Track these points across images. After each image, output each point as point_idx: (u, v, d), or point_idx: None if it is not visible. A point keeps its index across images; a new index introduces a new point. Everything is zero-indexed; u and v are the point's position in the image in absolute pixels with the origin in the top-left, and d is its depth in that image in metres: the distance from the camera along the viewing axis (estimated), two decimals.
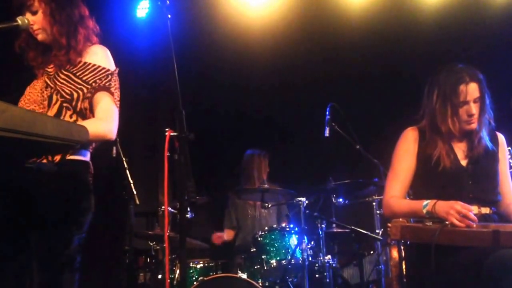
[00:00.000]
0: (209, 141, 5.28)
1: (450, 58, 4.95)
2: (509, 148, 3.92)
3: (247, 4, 5.39)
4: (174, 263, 3.79)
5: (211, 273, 3.81)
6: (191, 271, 3.85)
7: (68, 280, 2.13)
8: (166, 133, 1.98)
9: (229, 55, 5.37)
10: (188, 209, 3.34)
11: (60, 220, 2.14)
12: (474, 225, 2.19)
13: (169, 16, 2.19)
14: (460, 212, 2.21)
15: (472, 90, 2.45)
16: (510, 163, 3.76)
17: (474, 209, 2.32)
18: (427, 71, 2.69)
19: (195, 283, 3.70)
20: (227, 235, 4.93)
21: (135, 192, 2.75)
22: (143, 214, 4.16)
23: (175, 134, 1.99)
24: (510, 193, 2.60)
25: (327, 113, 4.23)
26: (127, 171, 2.63)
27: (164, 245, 3.22)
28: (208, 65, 5.40)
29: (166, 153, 1.97)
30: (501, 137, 2.63)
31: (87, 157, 2.31)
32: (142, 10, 5.10)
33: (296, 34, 5.40)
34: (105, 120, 2.24)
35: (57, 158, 2.19)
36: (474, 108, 2.46)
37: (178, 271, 3.43)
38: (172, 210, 3.66)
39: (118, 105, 2.31)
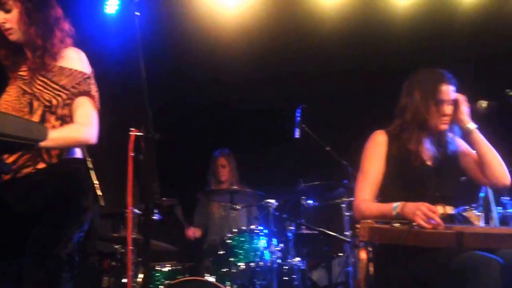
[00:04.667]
0: (179, 142, 5.23)
1: (424, 58, 5.05)
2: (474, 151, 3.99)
3: (220, 1, 5.35)
4: (139, 266, 3.73)
5: (178, 277, 3.75)
6: (158, 274, 3.79)
7: (67, 279, 2.15)
8: (131, 133, 1.94)
9: (201, 54, 5.32)
10: (156, 211, 3.29)
11: (61, 219, 2.16)
12: (441, 227, 2.21)
13: (138, 13, 2.14)
14: (426, 214, 2.23)
15: (449, 91, 2.53)
16: None
17: (439, 209, 2.36)
18: (399, 73, 2.71)
19: (160, 287, 3.64)
20: (197, 232, 4.91)
21: (99, 194, 2.69)
22: (108, 216, 4.08)
23: (141, 134, 1.95)
24: None
25: (297, 114, 4.24)
26: (92, 172, 2.57)
27: (131, 248, 3.16)
28: (178, 63, 5.35)
29: (131, 154, 1.93)
30: (459, 139, 2.69)
31: (81, 155, 2.32)
32: (111, 6, 5.02)
33: (270, 33, 5.38)
34: (86, 125, 2.25)
35: (55, 157, 2.20)
36: (449, 109, 2.52)
37: (140, 275, 3.36)
38: (138, 212, 3.59)
39: (99, 108, 2.33)
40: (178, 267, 3.92)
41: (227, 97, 5.45)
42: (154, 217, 3.14)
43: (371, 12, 5.46)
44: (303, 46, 5.43)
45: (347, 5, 5.40)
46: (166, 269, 3.86)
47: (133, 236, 3.45)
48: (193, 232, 4.87)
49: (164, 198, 3.92)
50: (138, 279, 3.48)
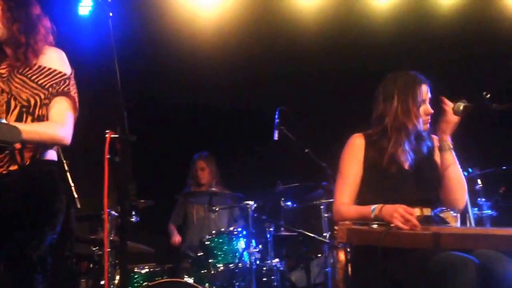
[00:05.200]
0: (156, 143, 5.19)
1: (404, 60, 5.10)
2: None
3: (198, 2, 5.33)
4: (116, 268, 3.69)
5: (156, 278, 3.73)
6: (136, 276, 3.76)
7: (39, 281, 2.14)
8: (107, 135, 1.92)
9: (179, 54, 5.29)
10: (133, 213, 3.25)
11: (33, 221, 2.14)
12: (418, 228, 2.23)
13: (111, 14, 2.12)
14: (403, 216, 2.25)
15: (427, 90, 2.57)
16: None
17: (417, 211, 2.38)
18: (379, 75, 2.72)
19: None
20: (172, 230, 4.92)
21: (76, 196, 2.66)
22: (86, 218, 4.03)
23: (116, 136, 1.93)
24: None
25: (276, 116, 4.24)
26: (68, 173, 2.54)
27: (108, 250, 3.13)
28: (155, 64, 5.30)
29: (107, 155, 1.90)
30: (436, 139, 2.71)
31: (55, 157, 2.30)
32: (85, 7, 4.98)
33: (248, 34, 5.38)
34: (61, 124, 2.23)
35: (27, 159, 2.18)
36: (431, 108, 2.57)
37: (118, 277, 3.33)
38: (115, 214, 3.56)
39: (77, 108, 2.33)
40: (156, 269, 3.89)
41: (205, 98, 5.42)
42: (132, 219, 3.11)
43: (351, 14, 5.50)
44: (281, 48, 5.44)
45: (326, 7, 5.43)
46: (144, 271, 3.83)
47: (111, 238, 3.41)
48: (178, 240, 4.86)
49: (142, 200, 3.89)
50: (115, 281, 3.44)
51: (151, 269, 3.86)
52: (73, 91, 2.31)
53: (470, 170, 4.04)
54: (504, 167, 4.24)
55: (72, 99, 2.29)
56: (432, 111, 2.56)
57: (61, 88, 2.25)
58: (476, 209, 3.99)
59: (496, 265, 2.13)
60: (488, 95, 2.49)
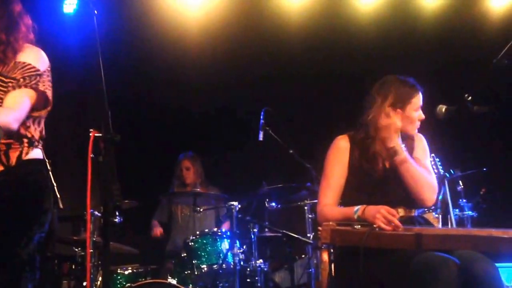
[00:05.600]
0: (140, 143, 5.17)
1: (388, 63, 5.13)
2: (433, 155, 4.10)
3: (184, 2, 5.31)
4: (99, 269, 3.67)
5: (139, 279, 3.71)
6: (119, 277, 3.74)
7: (28, 279, 2.15)
8: (90, 134, 1.90)
9: (164, 54, 5.28)
10: (117, 214, 3.24)
11: (22, 220, 2.15)
12: (400, 228, 2.25)
13: (96, 12, 2.11)
14: (386, 217, 2.27)
15: (421, 98, 2.62)
16: (434, 168, 3.92)
17: (401, 211, 2.39)
18: (363, 77, 2.74)
19: None
20: (154, 224, 4.91)
21: (58, 196, 2.64)
22: (68, 219, 4.00)
23: (100, 135, 1.91)
24: None
25: (261, 117, 4.25)
26: (50, 173, 2.52)
27: (90, 250, 3.11)
28: (140, 63, 5.28)
29: (90, 155, 1.89)
30: (417, 136, 2.73)
31: (41, 155, 2.27)
32: (70, 5, 4.94)
33: (234, 35, 5.38)
34: (12, 108, 2.16)
35: (13, 159, 2.18)
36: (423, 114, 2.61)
37: (100, 278, 3.31)
38: (99, 214, 3.53)
39: (48, 105, 2.29)
40: (140, 270, 3.88)
41: (190, 98, 5.41)
42: (115, 220, 3.09)
43: (336, 16, 5.52)
44: (267, 49, 5.45)
45: (312, 8, 5.45)
46: (127, 271, 3.82)
47: (94, 239, 3.39)
48: (160, 232, 4.84)
49: (126, 201, 3.87)
50: (98, 283, 3.42)
51: (134, 270, 3.85)
52: (42, 86, 2.27)
53: (452, 171, 4.09)
54: (484, 169, 4.30)
55: (39, 92, 2.25)
56: (424, 117, 2.62)
57: (30, 81, 2.22)
58: (457, 210, 4.04)
59: (476, 266, 2.16)
60: (470, 98, 2.52)
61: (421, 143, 2.73)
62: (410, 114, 2.59)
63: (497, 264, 2.25)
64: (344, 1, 5.54)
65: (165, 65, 5.28)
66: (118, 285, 3.72)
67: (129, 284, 3.62)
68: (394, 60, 5.23)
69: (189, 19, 5.34)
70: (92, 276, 3.24)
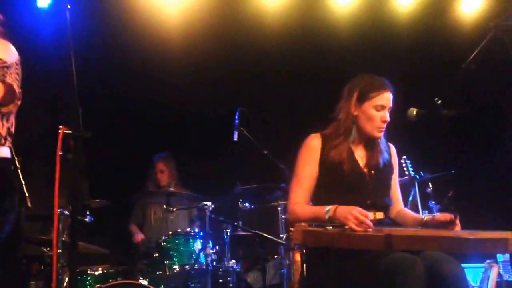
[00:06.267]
0: (113, 141, 5.11)
1: (364, 63, 5.18)
2: (404, 157, 4.16)
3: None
4: (66, 270, 3.60)
5: (110, 280, 3.66)
6: (88, 278, 3.68)
7: None
8: (60, 131, 1.87)
9: (139, 51, 5.22)
10: (87, 213, 3.20)
11: None
12: (370, 230, 2.27)
13: (69, 6, 2.08)
14: (357, 218, 2.29)
15: (390, 98, 2.57)
16: (404, 170, 3.98)
17: (370, 215, 2.41)
18: (338, 78, 2.75)
19: None
20: (135, 230, 4.84)
21: (27, 194, 2.59)
22: (37, 218, 3.93)
23: (70, 132, 1.88)
24: (399, 199, 2.76)
25: (236, 117, 4.24)
26: (19, 171, 2.47)
27: (59, 251, 3.06)
28: (115, 60, 5.21)
29: (59, 152, 1.85)
30: (392, 147, 2.77)
31: (8, 154, 2.22)
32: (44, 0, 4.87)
33: (210, 34, 5.36)
34: None
35: None
36: (388, 116, 2.56)
37: (67, 279, 3.25)
38: (68, 213, 3.48)
39: (16, 99, 2.25)
40: (110, 270, 3.82)
41: (164, 97, 5.37)
42: (85, 219, 3.04)
43: (312, 17, 5.54)
44: (242, 49, 5.44)
45: (288, 10, 5.46)
46: (97, 272, 3.76)
47: (62, 239, 3.33)
48: (141, 238, 4.80)
49: (96, 200, 3.83)
50: (64, 284, 3.37)
51: (105, 271, 3.80)
52: (10, 78, 2.25)
53: (422, 174, 4.15)
54: (453, 172, 4.38)
55: (5, 84, 2.23)
56: (388, 119, 2.57)
57: None
58: (426, 211, 4.10)
59: (443, 266, 2.19)
60: (440, 102, 2.56)
61: (396, 157, 2.76)
62: (368, 110, 2.54)
63: (463, 265, 2.30)
64: (321, 2, 5.57)
65: (140, 62, 5.23)
66: (88, 286, 3.66)
67: (98, 285, 3.57)
68: (369, 62, 5.28)
69: (165, 17, 5.30)
70: (60, 277, 3.18)
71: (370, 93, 2.54)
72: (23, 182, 2.43)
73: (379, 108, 2.54)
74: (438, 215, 2.43)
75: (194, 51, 5.34)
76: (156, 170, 4.92)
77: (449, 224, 2.33)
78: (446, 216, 2.37)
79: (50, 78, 4.64)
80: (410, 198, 3.95)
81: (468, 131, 5.42)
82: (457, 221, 2.35)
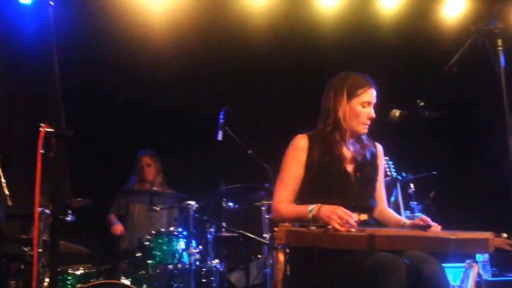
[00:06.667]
0: (97, 139, 5.07)
1: (348, 63, 5.19)
2: (386, 158, 4.18)
3: None
4: (46, 269, 3.56)
5: (91, 280, 3.63)
6: (70, 277, 3.64)
7: None
8: (41, 129, 1.85)
9: (122, 49, 5.19)
10: (69, 212, 3.16)
11: None
12: (354, 230, 2.29)
13: (52, 3, 2.05)
14: (341, 217, 2.30)
15: (374, 95, 2.59)
16: (387, 171, 4.00)
17: (354, 216, 2.42)
18: (324, 77, 2.76)
19: None
20: (114, 220, 4.79)
21: (7, 193, 2.55)
22: (17, 217, 3.88)
23: (51, 130, 1.86)
24: (383, 199, 2.78)
25: (220, 117, 4.24)
26: (0, 170, 2.44)
27: (40, 250, 3.02)
28: (98, 58, 5.17)
29: (40, 151, 1.83)
30: (379, 147, 2.78)
31: None
32: None
33: (195, 33, 5.35)
34: None
35: None
36: (373, 112, 2.59)
37: (47, 279, 3.21)
38: (49, 212, 3.44)
39: None
40: (92, 270, 3.79)
41: (149, 95, 5.35)
42: (67, 218, 3.01)
43: (297, 17, 5.56)
44: (228, 48, 5.44)
45: (273, 10, 5.47)
46: (79, 272, 3.72)
47: (43, 238, 3.29)
48: (120, 230, 4.74)
49: (79, 199, 3.79)
50: (45, 283, 3.33)
51: (86, 270, 3.76)
52: None
53: (404, 174, 4.18)
54: (434, 173, 4.42)
55: None
56: (374, 116, 2.60)
57: None
58: (408, 212, 4.14)
59: (424, 266, 2.22)
60: (422, 103, 2.59)
61: (382, 157, 2.78)
62: (355, 107, 2.56)
63: (444, 265, 2.32)
64: (307, 3, 5.59)
65: (124, 60, 5.20)
66: (69, 286, 3.62)
67: (80, 285, 3.53)
68: (353, 63, 5.28)
69: (151, 15, 5.27)
70: (40, 276, 3.15)
71: (357, 90, 2.57)
72: (4, 181, 2.39)
73: (366, 104, 2.57)
74: (416, 220, 2.45)
75: (180, 49, 5.32)
76: (143, 164, 4.89)
77: (425, 229, 2.35)
78: (424, 219, 2.39)
79: (32, 76, 4.60)
80: (392, 199, 3.98)
81: (449, 133, 5.48)
82: (433, 227, 2.37)
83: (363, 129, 2.60)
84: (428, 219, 2.38)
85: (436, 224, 2.39)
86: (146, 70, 5.25)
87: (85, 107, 4.90)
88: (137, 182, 4.89)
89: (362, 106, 2.56)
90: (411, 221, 2.53)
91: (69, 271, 3.68)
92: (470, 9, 5.59)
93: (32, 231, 3.72)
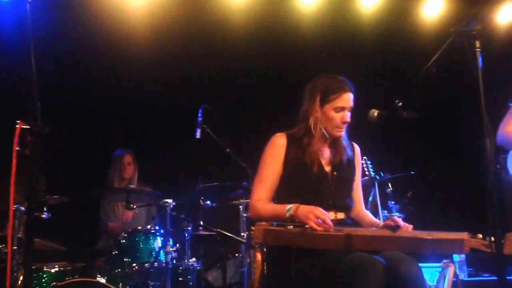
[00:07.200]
0: (73, 136, 5.00)
1: (328, 63, 5.22)
2: (365, 157, 4.22)
3: None
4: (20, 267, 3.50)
5: (67, 278, 3.58)
6: (45, 275, 3.59)
7: None
8: (17, 126, 1.82)
9: (100, 46, 5.11)
10: (45, 209, 3.12)
11: None
12: (331, 229, 2.30)
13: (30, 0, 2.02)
14: (318, 217, 2.31)
15: (349, 99, 2.60)
16: (365, 171, 4.04)
17: (331, 215, 2.44)
18: (303, 77, 2.77)
19: None
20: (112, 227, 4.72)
21: None
22: None
23: (27, 127, 1.83)
24: (360, 200, 2.81)
25: (199, 114, 4.22)
26: None
27: (14, 247, 2.98)
28: (76, 54, 5.09)
29: (15, 148, 1.80)
30: (357, 147, 2.81)
31: None
32: None
33: (175, 31, 5.29)
34: None
35: None
36: (348, 117, 2.60)
37: (21, 277, 3.16)
38: (25, 209, 3.38)
39: None
40: (67, 268, 3.73)
41: (126, 92, 5.29)
42: (43, 215, 2.97)
43: (277, 14, 5.54)
44: (207, 46, 5.41)
45: (253, 8, 5.45)
46: (54, 270, 3.66)
47: (19, 235, 3.24)
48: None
49: (55, 196, 3.74)
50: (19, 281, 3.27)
51: (62, 268, 3.70)
52: None
53: (382, 174, 4.22)
54: (412, 173, 4.47)
55: None
56: (349, 120, 2.61)
57: None
58: (386, 211, 4.18)
59: (401, 266, 2.24)
60: (400, 104, 2.61)
61: (359, 157, 2.80)
62: (328, 112, 2.59)
63: (421, 264, 2.35)
64: (286, 1, 5.59)
65: (102, 56, 5.13)
66: (44, 284, 3.56)
67: (55, 283, 3.48)
68: (332, 62, 5.32)
69: (130, 10, 5.20)
70: (15, 274, 3.10)
71: (330, 96, 2.58)
72: None
73: (339, 109, 2.59)
74: (387, 221, 2.48)
75: (158, 47, 5.28)
76: (124, 163, 4.84)
77: (394, 230, 2.36)
78: (394, 220, 2.41)
79: (9, 72, 4.51)
80: (370, 198, 4.02)
81: (427, 133, 5.54)
82: (404, 228, 2.39)
83: (338, 133, 2.63)
84: (398, 220, 2.40)
85: (406, 224, 2.41)
86: (124, 66, 5.19)
87: (62, 104, 4.82)
88: (116, 180, 4.84)
89: (335, 111, 2.58)
90: (383, 222, 2.56)
91: (44, 268, 3.62)
92: (448, 10, 5.64)
93: (6, 228, 3.65)
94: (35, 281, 3.55)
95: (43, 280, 3.59)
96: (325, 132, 2.61)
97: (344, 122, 2.60)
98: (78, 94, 5.16)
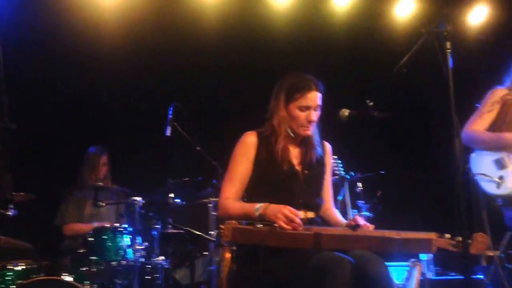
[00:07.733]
0: (42, 133, 4.91)
1: (301, 62, 5.24)
2: (335, 156, 4.25)
3: None
4: None
5: (32, 276, 3.51)
6: (9, 273, 3.50)
7: None
8: None
9: (71, 41, 5.02)
10: (11, 206, 3.05)
11: None
12: (300, 228, 2.31)
13: None
14: (287, 216, 2.32)
15: (315, 98, 2.58)
16: (335, 170, 4.07)
17: (301, 213, 2.45)
18: (275, 75, 2.77)
19: (12, 287, 3.38)
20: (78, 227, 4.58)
21: None
22: None
23: None
24: (330, 198, 2.82)
25: (169, 112, 4.20)
26: None
27: None
28: (46, 49, 4.99)
29: None
30: (328, 146, 2.82)
31: None
32: None
33: (147, 28, 5.24)
34: None
35: None
36: (314, 116, 2.58)
37: None
38: None
39: None
40: (33, 266, 3.66)
41: (96, 89, 5.21)
42: (9, 213, 2.90)
43: (250, 13, 5.55)
44: (178, 44, 5.37)
45: (225, 6, 5.44)
46: (19, 267, 3.59)
47: None
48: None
49: (21, 193, 3.66)
50: None
51: (27, 266, 3.63)
52: None
53: (352, 173, 4.26)
54: (382, 172, 4.53)
55: None
56: (314, 119, 2.60)
57: None
58: (356, 210, 4.22)
59: (368, 265, 2.26)
60: (371, 103, 2.64)
61: (330, 156, 2.81)
62: (293, 111, 2.58)
63: (388, 263, 2.37)
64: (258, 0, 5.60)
65: (71, 52, 5.04)
66: (9, 282, 3.48)
67: (20, 281, 3.41)
68: (304, 61, 5.34)
69: (100, 6, 5.13)
70: None
71: (294, 95, 2.57)
72: None
73: (304, 108, 2.57)
74: (349, 221, 2.51)
75: (129, 43, 5.22)
76: (100, 163, 4.74)
77: (354, 229, 2.38)
78: (355, 219, 2.43)
79: None
80: (340, 197, 4.04)
81: (397, 133, 5.61)
82: (364, 227, 2.41)
83: (304, 132, 2.61)
84: (359, 219, 2.42)
85: (367, 224, 2.43)
86: (93, 63, 5.11)
87: (30, 100, 4.72)
88: (90, 179, 4.74)
89: (300, 110, 2.57)
90: (346, 222, 2.58)
91: (8, 266, 3.54)
92: (420, 11, 5.72)
93: None
94: None
95: (8, 278, 3.51)
96: (290, 131, 2.61)
97: (309, 121, 2.58)
98: (47, 89, 5.06)
